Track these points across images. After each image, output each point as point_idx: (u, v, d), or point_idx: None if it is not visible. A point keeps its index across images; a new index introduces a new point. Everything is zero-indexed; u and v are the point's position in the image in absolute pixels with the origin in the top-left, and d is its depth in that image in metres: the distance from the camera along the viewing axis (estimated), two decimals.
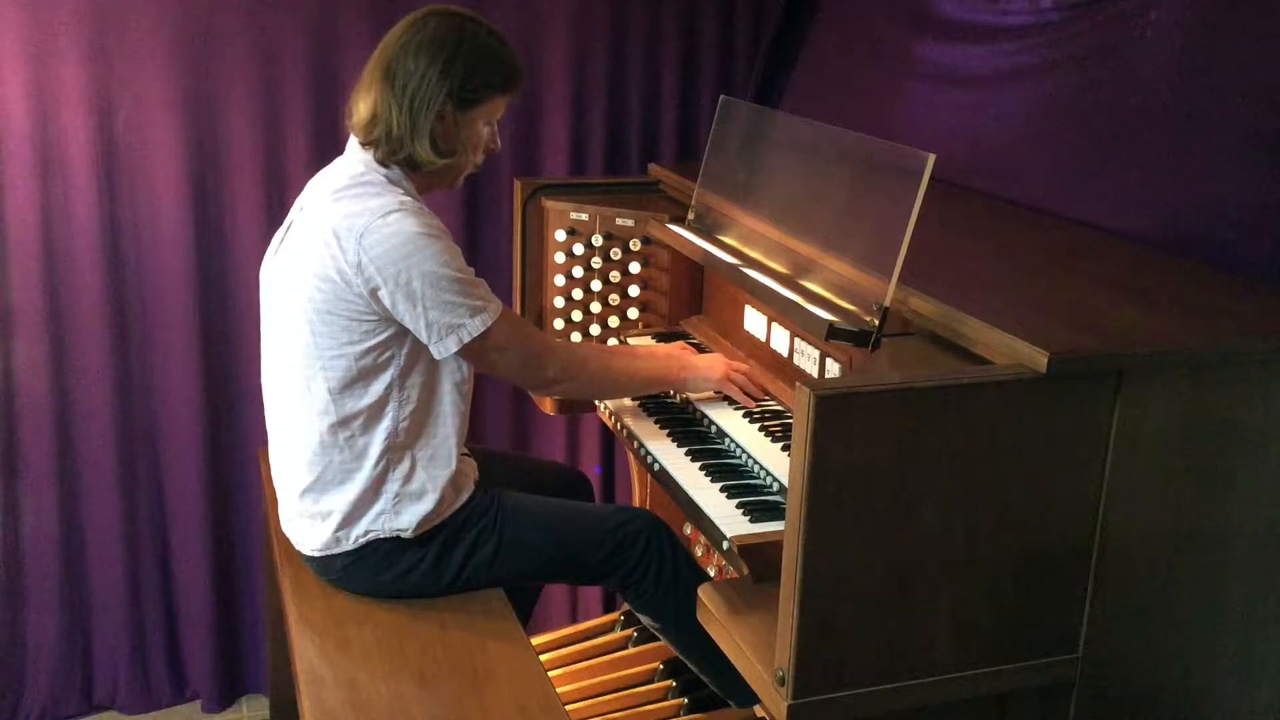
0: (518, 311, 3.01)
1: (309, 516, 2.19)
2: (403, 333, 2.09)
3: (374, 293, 2.03)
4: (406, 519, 2.16)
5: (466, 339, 2.06)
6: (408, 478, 2.15)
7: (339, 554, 2.19)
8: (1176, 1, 2.25)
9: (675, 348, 2.58)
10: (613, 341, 2.94)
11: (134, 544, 3.13)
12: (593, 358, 2.30)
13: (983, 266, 2.14)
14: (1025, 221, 2.44)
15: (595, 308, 2.95)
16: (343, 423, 2.11)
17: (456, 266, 2.05)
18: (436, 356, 2.08)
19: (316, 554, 2.21)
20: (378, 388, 2.11)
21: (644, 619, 2.47)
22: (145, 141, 2.91)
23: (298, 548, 2.26)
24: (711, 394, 2.44)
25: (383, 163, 2.13)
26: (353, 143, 2.17)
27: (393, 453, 2.14)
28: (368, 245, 2.01)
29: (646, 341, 2.82)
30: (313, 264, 2.06)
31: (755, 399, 2.40)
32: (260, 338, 2.28)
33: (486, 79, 2.12)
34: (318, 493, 2.16)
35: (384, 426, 2.12)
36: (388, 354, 2.10)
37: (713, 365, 2.42)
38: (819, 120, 2.29)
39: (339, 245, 2.03)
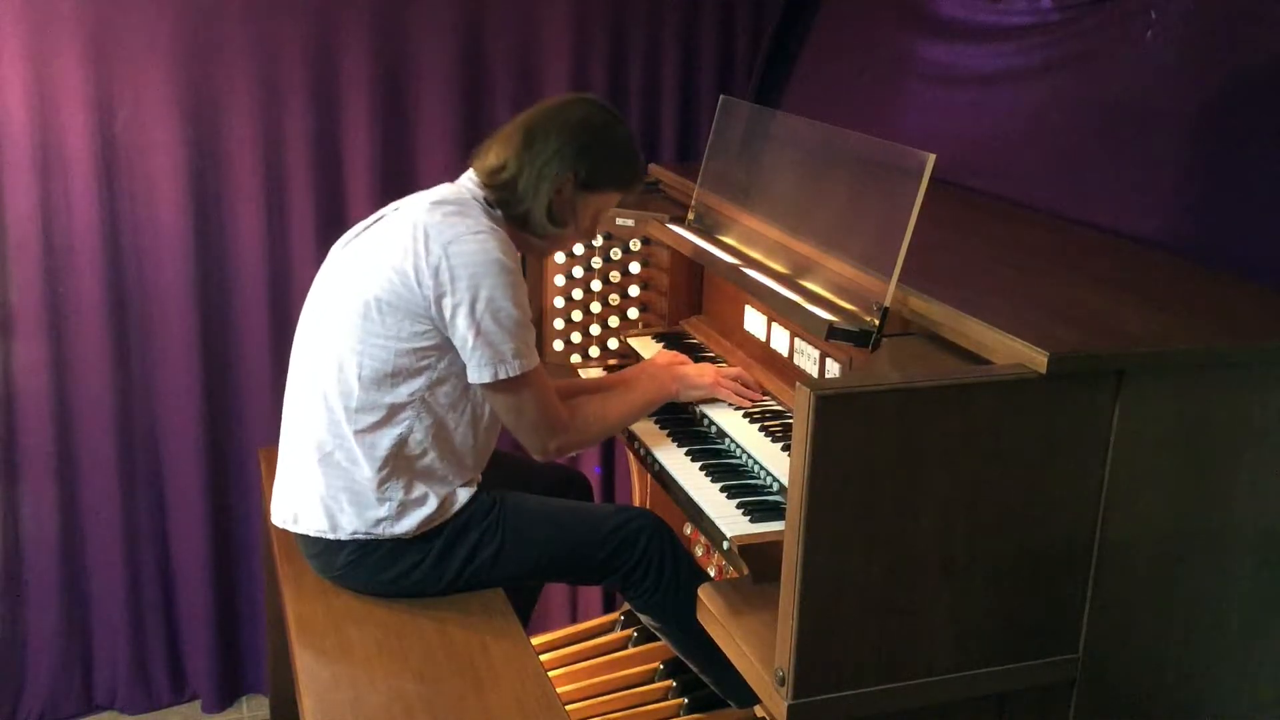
0: None
1: (311, 495, 2.19)
2: (447, 346, 2.11)
3: (440, 299, 2.07)
4: (406, 525, 2.16)
5: (503, 375, 2.10)
6: (408, 488, 2.16)
7: (339, 550, 2.19)
8: (1176, 1, 2.25)
9: (662, 359, 2.58)
10: (613, 343, 2.94)
11: (134, 544, 3.13)
12: (591, 416, 2.31)
13: (982, 266, 2.14)
14: (1025, 221, 2.44)
15: (595, 308, 2.95)
16: (361, 412, 2.12)
17: (518, 304, 2.11)
18: (471, 380, 2.12)
19: (311, 534, 2.20)
20: (404, 391, 2.12)
21: (644, 619, 2.47)
22: (145, 141, 2.91)
23: (283, 524, 2.25)
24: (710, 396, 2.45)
25: (494, 205, 2.22)
26: (468, 175, 2.26)
27: (398, 462, 2.14)
28: (452, 252, 2.07)
29: (646, 341, 2.82)
30: (392, 254, 2.10)
31: (750, 400, 2.41)
32: (303, 313, 2.29)
33: (612, 173, 2.26)
34: (325, 472, 2.17)
35: (398, 431, 2.13)
36: (425, 362, 2.12)
37: (702, 372, 2.46)
38: (819, 120, 2.29)
39: (425, 244, 2.08)
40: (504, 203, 2.22)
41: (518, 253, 2.20)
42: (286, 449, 2.27)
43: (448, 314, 2.08)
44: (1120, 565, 1.70)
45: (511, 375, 2.11)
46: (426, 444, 2.16)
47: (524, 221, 2.23)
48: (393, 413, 2.13)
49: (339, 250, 2.28)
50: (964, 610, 1.64)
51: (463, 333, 2.08)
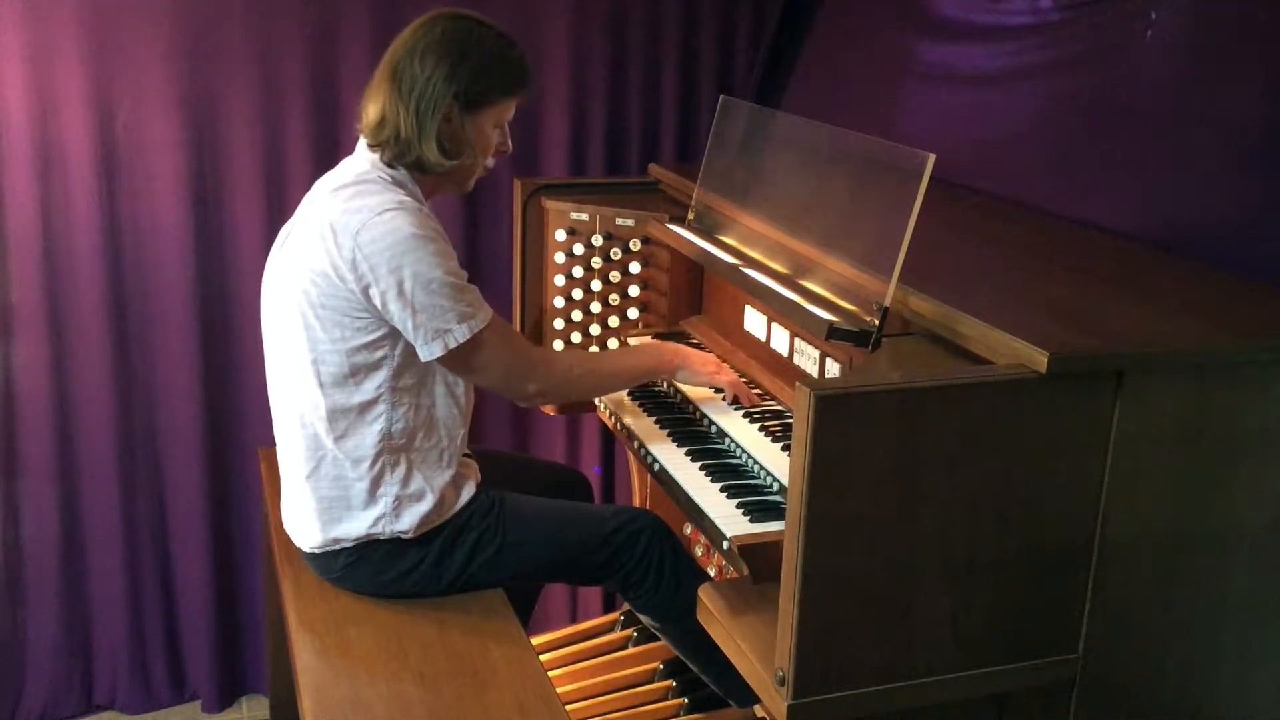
0: (518, 311, 3.01)
1: (307, 511, 2.19)
2: (396, 333, 2.09)
3: (365, 290, 2.03)
4: (407, 521, 2.16)
5: (453, 344, 2.06)
6: (405, 481, 2.15)
7: (339, 552, 2.19)
8: (1176, 1, 2.25)
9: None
10: (613, 343, 2.94)
11: (134, 544, 3.13)
12: (577, 366, 2.30)
13: (982, 266, 2.14)
14: (1025, 221, 2.44)
15: (595, 308, 2.95)
16: (334, 419, 2.11)
17: (448, 270, 2.05)
18: (423, 359, 2.09)
19: (316, 550, 2.21)
20: (369, 386, 2.11)
21: (644, 619, 2.47)
22: (145, 141, 2.91)
23: (297, 544, 2.26)
24: (706, 388, 2.45)
25: (390, 164, 2.14)
26: (362, 143, 2.19)
27: (388, 454, 2.14)
28: (362, 242, 2.02)
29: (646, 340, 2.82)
30: (310, 258, 2.07)
31: (749, 399, 2.41)
32: (262, 331, 2.28)
33: (493, 81, 2.13)
34: (314, 488, 2.16)
35: (378, 427, 2.12)
36: (380, 353, 2.10)
37: (705, 360, 2.45)
38: (819, 120, 2.29)
39: (335, 240, 2.04)
40: (399, 157, 2.12)
41: (434, 220, 2.09)
42: (283, 466, 2.27)
43: (379, 303, 2.03)
44: (1120, 565, 1.70)
45: (462, 341, 2.06)
46: (410, 428, 2.14)
47: (421, 166, 2.13)
48: (364, 410, 2.11)
49: (274, 257, 2.23)
50: (964, 610, 1.64)
51: (400, 316, 2.04)
